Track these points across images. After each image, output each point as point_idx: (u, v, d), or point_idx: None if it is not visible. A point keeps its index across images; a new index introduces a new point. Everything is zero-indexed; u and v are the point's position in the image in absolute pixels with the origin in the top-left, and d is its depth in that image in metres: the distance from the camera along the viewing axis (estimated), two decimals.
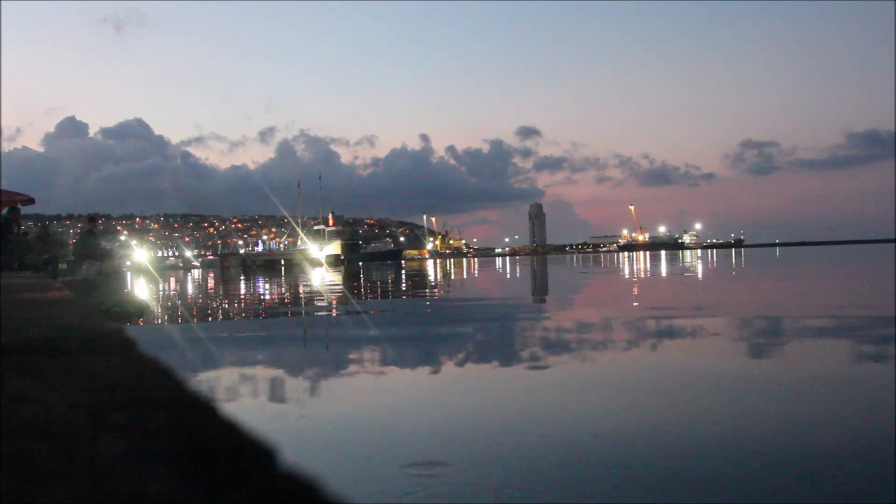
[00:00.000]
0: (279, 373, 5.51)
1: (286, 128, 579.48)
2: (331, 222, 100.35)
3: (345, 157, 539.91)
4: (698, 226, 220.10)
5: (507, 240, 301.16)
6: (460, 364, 5.68)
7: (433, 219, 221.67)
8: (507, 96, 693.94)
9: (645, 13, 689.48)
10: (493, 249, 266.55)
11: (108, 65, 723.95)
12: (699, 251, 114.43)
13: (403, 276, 29.70)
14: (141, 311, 12.14)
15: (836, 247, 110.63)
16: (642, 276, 23.37)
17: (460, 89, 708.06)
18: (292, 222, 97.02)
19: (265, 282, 28.28)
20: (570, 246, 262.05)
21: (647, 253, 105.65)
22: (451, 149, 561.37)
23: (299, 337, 8.31)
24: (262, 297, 17.89)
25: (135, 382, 0.97)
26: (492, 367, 5.52)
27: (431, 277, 28.12)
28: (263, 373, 5.47)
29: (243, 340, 8.05)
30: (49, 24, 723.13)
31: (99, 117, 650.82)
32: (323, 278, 30.24)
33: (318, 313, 11.90)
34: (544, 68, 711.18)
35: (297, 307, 13.45)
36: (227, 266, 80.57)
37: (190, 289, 24.61)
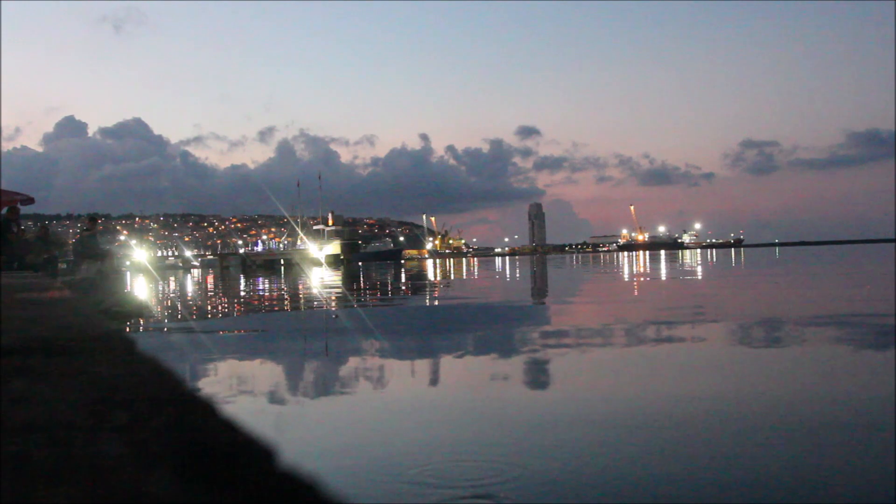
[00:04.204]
0: (278, 372, 5.51)
1: (286, 127, 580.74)
2: (330, 222, 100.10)
3: (344, 156, 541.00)
4: (698, 225, 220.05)
5: (506, 240, 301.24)
6: (458, 368, 5.68)
7: (433, 219, 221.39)
8: (507, 96, 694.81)
9: (645, 13, 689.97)
10: (493, 249, 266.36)
11: (108, 64, 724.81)
12: (699, 251, 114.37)
13: (403, 276, 29.68)
14: (140, 310, 12.13)
15: (836, 247, 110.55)
16: (648, 277, 23.36)
17: (460, 89, 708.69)
18: (292, 222, 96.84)
19: (264, 281, 28.27)
20: (570, 246, 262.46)
21: (647, 253, 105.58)
22: (450, 148, 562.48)
23: (299, 337, 8.30)
24: (261, 296, 17.88)
25: (135, 382, 0.97)
26: (501, 369, 5.52)
27: (431, 278, 28.10)
28: (263, 372, 5.47)
29: (242, 340, 8.04)
30: (48, 24, 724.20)
31: (98, 117, 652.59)
32: (322, 278, 30.21)
33: (318, 313, 11.89)
34: (544, 68, 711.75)
35: (296, 307, 13.44)
36: (227, 266, 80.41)
37: (189, 289, 24.59)
